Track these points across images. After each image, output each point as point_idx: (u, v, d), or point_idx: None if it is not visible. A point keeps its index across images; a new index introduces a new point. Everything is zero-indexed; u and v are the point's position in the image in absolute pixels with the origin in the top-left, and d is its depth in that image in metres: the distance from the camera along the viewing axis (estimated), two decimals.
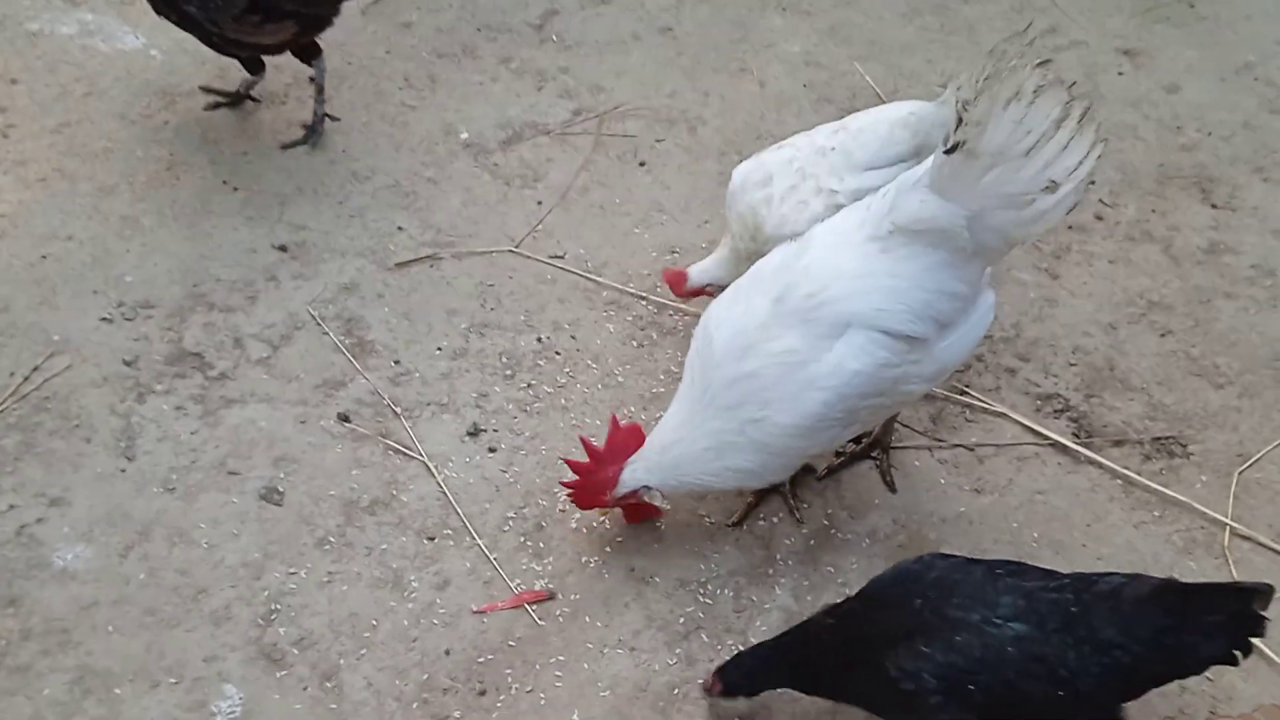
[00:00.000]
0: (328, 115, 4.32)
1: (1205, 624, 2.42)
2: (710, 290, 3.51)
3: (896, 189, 2.77)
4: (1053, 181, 2.53)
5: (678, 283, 3.60)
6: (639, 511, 3.21)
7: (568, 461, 3.09)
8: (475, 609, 3.12)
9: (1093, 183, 2.64)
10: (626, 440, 3.07)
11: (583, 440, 3.10)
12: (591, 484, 3.07)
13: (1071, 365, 3.74)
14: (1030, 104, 2.46)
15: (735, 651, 3.00)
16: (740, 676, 2.80)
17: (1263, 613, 2.41)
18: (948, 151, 2.55)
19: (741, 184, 3.41)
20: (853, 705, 2.74)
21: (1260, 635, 2.45)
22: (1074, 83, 2.53)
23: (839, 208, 3.27)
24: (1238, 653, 2.44)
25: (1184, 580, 2.52)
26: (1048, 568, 2.65)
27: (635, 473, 3.03)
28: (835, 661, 2.66)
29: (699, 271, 3.56)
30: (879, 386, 2.82)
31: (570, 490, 3.12)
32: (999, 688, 2.44)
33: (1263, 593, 2.42)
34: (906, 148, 3.36)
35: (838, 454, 3.44)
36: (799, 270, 2.84)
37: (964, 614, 2.48)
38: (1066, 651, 2.42)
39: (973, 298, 2.84)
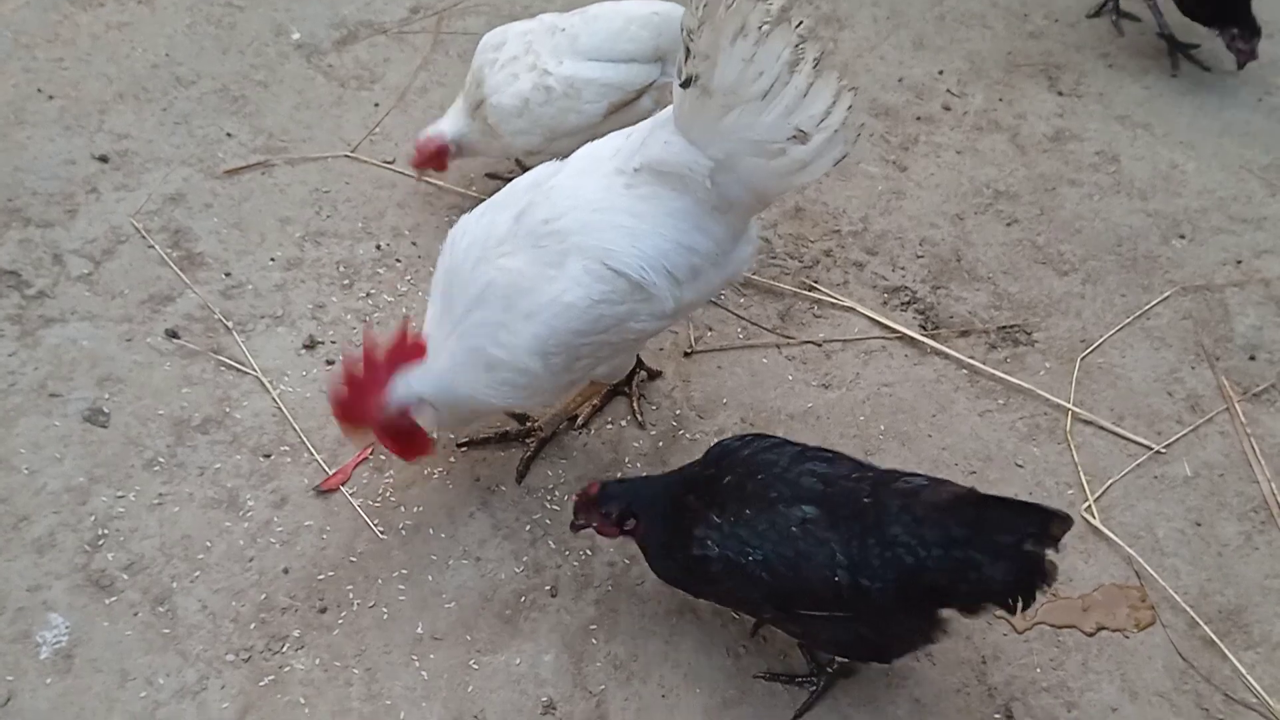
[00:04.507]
0: None
1: (995, 543, 2.35)
2: (450, 148, 3.55)
3: (652, 123, 2.62)
4: (800, 131, 2.39)
5: (420, 154, 3.56)
6: (408, 442, 2.86)
7: (341, 375, 2.73)
8: (319, 487, 3.07)
9: (858, 135, 2.43)
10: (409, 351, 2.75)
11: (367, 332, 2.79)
12: (360, 394, 2.72)
13: (919, 257, 3.72)
14: (758, 42, 2.30)
15: (582, 557, 2.97)
16: (620, 491, 2.70)
17: (1057, 540, 2.32)
18: (683, 85, 2.41)
19: (481, 46, 3.48)
20: (669, 576, 2.71)
21: (1044, 581, 2.33)
22: (800, 22, 2.32)
23: (548, 89, 3.33)
24: (1019, 600, 2.34)
25: (988, 492, 2.42)
26: (864, 460, 2.60)
27: (408, 383, 2.74)
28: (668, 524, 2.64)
29: (433, 130, 3.56)
30: (599, 324, 2.64)
31: (336, 407, 2.76)
32: (779, 565, 2.43)
33: (1059, 519, 2.33)
34: (643, 47, 3.36)
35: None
36: (544, 191, 2.68)
37: (762, 490, 2.48)
38: (851, 540, 2.40)
39: (720, 254, 2.68)
